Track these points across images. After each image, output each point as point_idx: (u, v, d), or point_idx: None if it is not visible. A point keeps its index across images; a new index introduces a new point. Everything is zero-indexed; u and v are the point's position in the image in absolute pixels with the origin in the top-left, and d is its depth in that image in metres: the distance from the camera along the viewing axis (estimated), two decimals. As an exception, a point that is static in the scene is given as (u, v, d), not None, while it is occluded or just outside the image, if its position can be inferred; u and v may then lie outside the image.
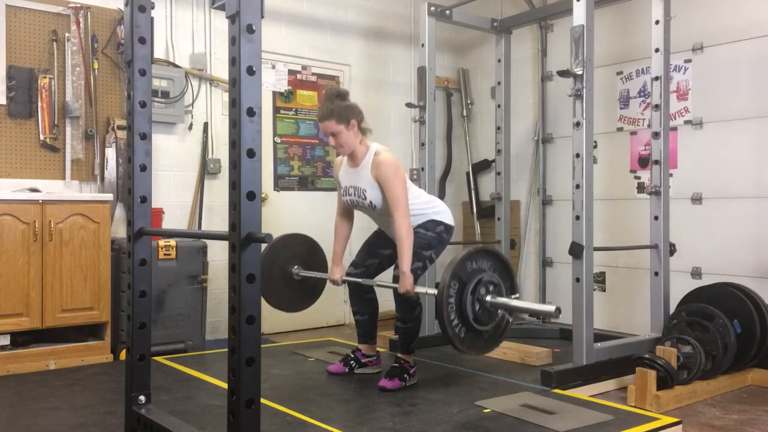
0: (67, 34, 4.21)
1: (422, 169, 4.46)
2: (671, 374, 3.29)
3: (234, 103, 1.82)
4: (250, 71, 1.81)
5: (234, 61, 1.81)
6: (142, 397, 2.41)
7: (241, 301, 1.81)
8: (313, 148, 5.39)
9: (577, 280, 3.55)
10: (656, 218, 4.06)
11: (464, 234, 5.95)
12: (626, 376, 3.58)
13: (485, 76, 5.88)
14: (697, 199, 4.43)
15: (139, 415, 2.37)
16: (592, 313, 3.57)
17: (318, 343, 4.51)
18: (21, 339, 3.74)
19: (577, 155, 3.55)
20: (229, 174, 1.85)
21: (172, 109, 4.52)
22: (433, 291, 3.00)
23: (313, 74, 5.39)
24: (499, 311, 2.96)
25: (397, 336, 3.51)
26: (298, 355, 4.10)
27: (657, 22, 4.06)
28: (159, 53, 4.47)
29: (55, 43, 4.18)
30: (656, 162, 4.06)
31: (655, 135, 4.06)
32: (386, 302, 3.91)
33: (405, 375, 3.37)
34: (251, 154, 1.81)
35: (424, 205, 3.44)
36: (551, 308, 2.80)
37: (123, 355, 3.86)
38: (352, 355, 3.66)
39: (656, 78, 4.06)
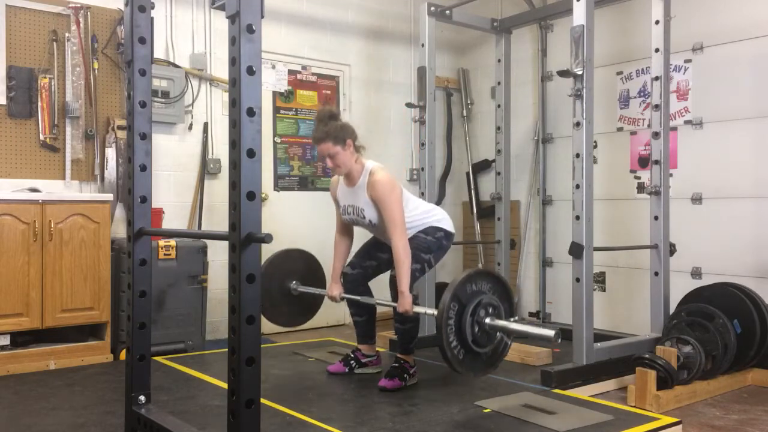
0: (67, 34, 4.21)
1: (422, 169, 4.46)
2: (671, 374, 3.29)
3: (234, 103, 1.82)
4: (250, 71, 1.81)
5: (234, 61, 1.82)
6: (142, 397, 2.41)
7: (241, 301, 1.81)
8: (313, 148, 5.36)
9: (577, 280, 3.56)
10: (656, 218, 4.06)
11: (464, 234, 5.94)
12: (626, 376, 3.59)
13: (485, 76, 5.88)
14: (697, 199, 4.43)
15: (139, 415, 2.37)
16: (592, 313, 3.58)
17: (318, 343, 4.51)
18: (21, 339, 3.74)
19: (577, 155, 3.56)
20: (229, 174, 1.85)
21: (172, 109, 4.52)
22: (433, 311, 2.99)
23: (313, 74, 5.39)
24: (498, 334, 2.95)
25: (396, 336, 3.51)
26: (298, 355, 4.10)
27: (657, 22, 4.06)
28: (159, 53, 4.47)
29: (55, 43, 4.18)
30: (656, 162, 4.06)
31: (655, 135, 4.07)
32: (386, 302, 3.91)
33: (405, 375, 3.37)
34: (251, 154, 1.82)
35: (424, 214, 3.46)
36: (550, 333, 2.78)
37: (123, 355, 3.86)
38: (352, 355, 3.66)
39: (656, 78, 4.07)
